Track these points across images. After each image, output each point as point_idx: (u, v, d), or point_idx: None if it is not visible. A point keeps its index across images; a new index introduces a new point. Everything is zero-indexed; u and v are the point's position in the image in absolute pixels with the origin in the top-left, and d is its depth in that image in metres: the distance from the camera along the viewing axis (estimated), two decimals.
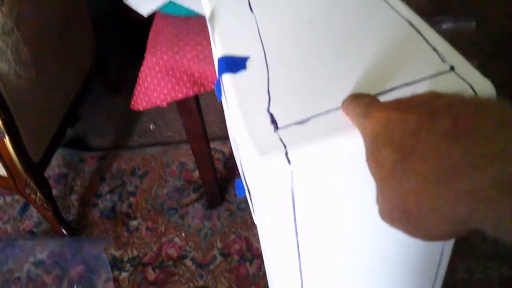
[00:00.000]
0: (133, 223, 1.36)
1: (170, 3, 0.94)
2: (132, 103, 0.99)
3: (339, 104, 0.42)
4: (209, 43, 0.90)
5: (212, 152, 1.45)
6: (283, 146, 0.39)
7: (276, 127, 0.41)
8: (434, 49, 0.45)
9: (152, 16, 0.98)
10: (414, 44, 0.47)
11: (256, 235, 1.27)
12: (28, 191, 1.22)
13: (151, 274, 1.23)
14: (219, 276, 1.20)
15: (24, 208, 1.45)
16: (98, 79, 1.68)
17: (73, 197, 1.46)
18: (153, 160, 1.54)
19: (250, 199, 0.51)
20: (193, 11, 0.93)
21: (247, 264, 1.21)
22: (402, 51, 0.46)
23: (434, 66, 0.44)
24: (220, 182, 1.41)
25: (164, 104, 0.98)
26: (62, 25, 1.35)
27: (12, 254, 1.30)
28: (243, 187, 0.56)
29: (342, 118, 0.41)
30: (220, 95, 0.58)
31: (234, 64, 0.49)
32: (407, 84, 0.42)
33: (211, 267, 1.22)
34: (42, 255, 1.29)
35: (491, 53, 1.63)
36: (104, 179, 1.50)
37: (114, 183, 1.49)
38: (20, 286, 1.24)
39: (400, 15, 0.50)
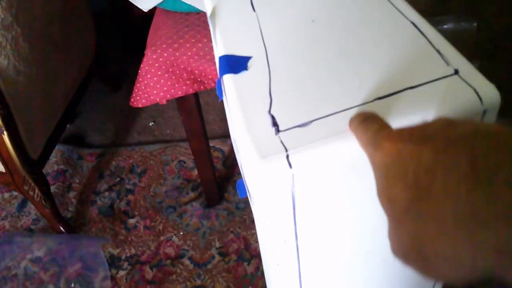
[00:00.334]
0: (131, 221, 1.35)
1: None
2: (132, 100, 0.98)
3: (342, 107, 0.41)
4: (209, 41, 0.90)
5: (212, 151, 1.45)
6: (284, 149, 0.39)
7: (278, 130, 0.40)
8: (438, 52, 0.45)
9: (152, 11, 0.98)
10: (418, 47, 0.46)
11: (254, 234, 1.26)
12: (26, 187, 1.22)
13: (149, 273, 1.22)
14: (217, 275, 1.20)
15: (22, 205, 1.45)
16: (98, 76, 1.67)
17: (71, 194, 1.46)
18: (152, 158, 1.53)
19: (251, 200, 0.50)
20: (194, 8, 0.92)
21: (245, 263, 1.21)
22: (406, 54, 0.46)
23: (438, 69, 0.43)
24: (219, 181, 1.40)
25: (164, 101, 0.97)
26: (62, 21, 1.34)
27: (9, 251, 1.30)
28: (244, 187, 0.55)
29: (344, 121, 0.40)
30: (221, 95, 0.57)
31: (236, 64, 0.49)
32: (411, 88, 0.42)
33: (209, 266, 1.22)
34: (39, 252, 1.29)
35: (491, 53, 1.62)
36: (103, 176, 1.50)
37: (113, 180, 1.48)
38: (17, 283, 1.23)
39: (405, 16, 0.49)
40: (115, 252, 1.28)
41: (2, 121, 1.06)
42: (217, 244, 1.26)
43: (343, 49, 0.48)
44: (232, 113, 0.46)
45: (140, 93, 0.96)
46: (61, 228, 1.32)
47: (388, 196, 0.29)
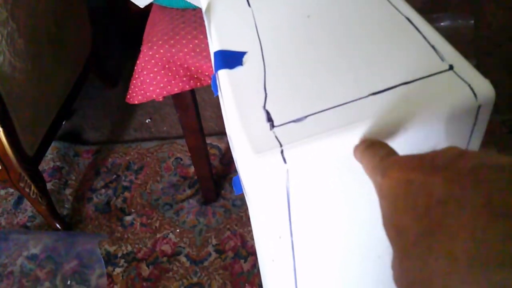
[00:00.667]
0: (128, 218, 1.35)
1: None
2: (128, 96, 0.98)
3: (336, 102, 0.41)
4: (206, 37, 0.89)
5: (208, 148, 1.44)
6: (279, 145, 0.39)
7: (272, 125, 0.40)
8: (433, 48, 0.45)
9: (148, 7, 0.97)
10: (412, 42, 0.46)
11: (251, 232, 1.26)
12: (22, 184, 1.21)
13: (145, 270, 1.22)
14: (213, 273, 1.19)
15: (18, 202, 1.44)
16: (94, 72, 1.67)
17: (68, 191, 1.46)
18: (149, 155, 1.53)
19: (246, 196, 0.50)
20: (190, 4, 0.92)
21: (242, 261, 1.21)
22: (400, 49, 0.45)
23: (433, 65, 0.43)
24: (216, 178, 1.40)
25: (160, 98, 0.97)
26: (58, 17, 1.33)
27: (5, 248, 1.29)
28: (240, 184, 0.55)
29: (339, 116, 0.40)
30: (217, 90, 0.57)
31: (231, 59, 0.48)
32: (406, 83, 0.42)
33: (206, 263, 1.22)
34: (35, 249, 1.28)
35: (488, 51, 1.63)
36: (99, 173, 1.50)
37: (109, 177, 1.48)
38: (13, 280, 1.23)
39: (400, 12, 0.49)
40: (112, 249, 1.28)
41: None
42: (214, 242, 1.26)
43: (338, 45, 0.48)
44: (227, 108, 0.46)
45: (136, 89, 0.96)
46: (57, 225, 1.32)
47: (396, 227, 0.28)
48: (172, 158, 1.51)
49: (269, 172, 0.39)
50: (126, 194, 1.42)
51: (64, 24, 1.37)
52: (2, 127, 1.07)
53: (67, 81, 1.41)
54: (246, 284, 1.16)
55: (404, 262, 0.27)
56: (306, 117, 0.40)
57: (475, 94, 0.40)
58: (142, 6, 0.93)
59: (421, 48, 0.45)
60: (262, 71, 0.46)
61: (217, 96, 0.62)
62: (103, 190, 1.44)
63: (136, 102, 0.97)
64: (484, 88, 0.40)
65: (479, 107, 0.41)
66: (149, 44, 0.91)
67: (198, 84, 0.95)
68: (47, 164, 1.53)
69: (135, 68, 0.93)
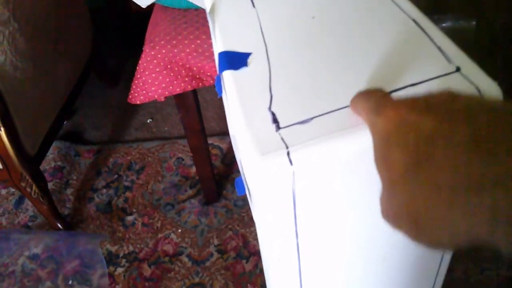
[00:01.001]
0: (129, 218, 1.35)
1: None
2: (130, 96, 0.97)
3: (342, 104, 0.41)
4: (208, 37, 0.89)
5: (210, 148, 1.44)
6: (285, 146, 0.38)
7: (278, 127, 0.40)
8: (440, 49, 0.44)
9: (150, 7, 0.97)
10: (419, 44, 0.46)
11: (253, 232, 1.26)
12: (23, 184, 1.21)
13: (147, 270, 1.22)
14: (215, 273, 1.19)
15: (20, 201, 1.44)
16: (96, 72, 1.66)
17: (69, 191, 1.45)
18: (150, 155, 1.53)
19: (250, 198, 0.50)
20: (192, 4, 0.92)
21: (244, 261, 1.21)
22: (407, 51, 0.45)
23: (440, 67, 0.43)
24: (217, 178, 1.40)
25: (162, 98, 0.96)
26: (59, 16, 1.33)
27: (6, 247, 1.29)
28: (243, 185, 0.55)
29: (345, 118, 0.40)
30: (221, 91, 0.57)
31: (235, 60, 0.48)
32: (413, 85, 0.41)
33: (207, 264, 1.21)
34: (37, 249, 1.28)
35: (490, 52, 1.62)
36: (100, 173, 1.49)
37: (110, 177, 1.48)
38: (14, 280, 1.23)
39: (406, 13, 0.49)
40: (113, 249, 1.28)
41: None
42: (216, 242, 1.26)
43: (344, 46, 0.47)
44: (232, 109, 0.45)
45: (138, 89, 0.95)
46: (59, 225, 1.31)
47: (385, 159, 0.30)
48: (174, 158, 1.50)
49: (275, 174, 0.39)
50: (128, 194, 1.41)
51: (65, 24, 1.37)
52: (3, 126, 1.07)
53: (68, 80, 1.41)
54: (248, 285, 1.16)
55: (392, 194, 0.29)
56: (312, 118, 0.40)
57: (482, 96, 0.40)
58: (144, 6, 0.93)
59: (427, 50, 0.44)
60: (267, 72, 0.46)
61: (220, 97, 0.61)
62: (104, 190, 1.44)
63: (138, 102, 0.97)
64: (492, 89, 0.40)
65: None
66: (151, 44, 0.90)
67: (200, 84, 0.94)
68: (48, 163, 1.53)
69: (137, 68, 0.93)
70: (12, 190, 1.47)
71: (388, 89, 0.41)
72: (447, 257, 0.59)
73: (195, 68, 0.92)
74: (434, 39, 0.45)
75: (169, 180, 1.44)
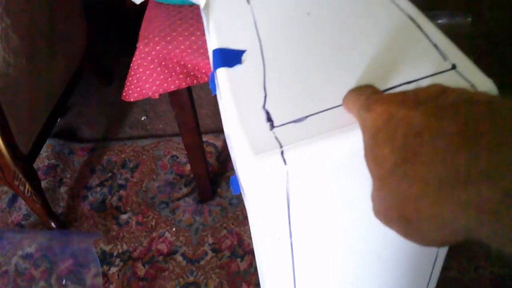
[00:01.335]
0: (123, 217, 1.34)
1: None
2: (124, 94, 0.96)
3: (337, 102, 0.40)
4: (203, 34, 0.88)
5: (205, 146, 1.43)
6: (279, 146, 0.38)
7: (272, 125, 0.39)
8: (435, 46, 0.44)
9: (145, 3, 0.96)
10: (414, 41, 0.45)
11: (247, 230, 1.26)
12: (16, 182, 1.20)
13: (141, 269, 1.21)
14: (210, 272, 1.19)
15: (13, 200, 1.43)
16: (90, 69, 1.65)
17: (63, 189, 1.44)
18: (145, 153, 1.52)
19: (244, 197, 0.50)
20: (187, 0, 0.91)
21: (238, 260, 1.20)
22: (402, 48, 0.45)
23: (435, 64, 0.42)
24: (212, 177, 1.39)
25: (156, 95, 0.96)
26: (53, 13, 1.32)
27: (0, 247, 1.28)
28: (238, 184, 0.54)
29: (340, 117, 0.39)
30: (215, 89, 0.56)
31: (230, 57, 0.48)
32: (408, 83, 0.41)
33: (202, 262, 1.21)
34: (30, 248, 1.27)
35: (486, 48, 1.62)
36: (94, 171, 1.48)
37: (104, 175, 1.47)
38: (8, 279, 1.22)
39: (401, 10, 0.49)
40: (107, 248, 1.27)
41: None
42: (210, 240, 1.25)
43: (339, 43, 0.47)
44: (225, 107, 0.45)
45: (132, 87, 0.95)
46: (52, 224, 1.30)
47: (375, 156, 0.30)
48: (168, 156, 1.50)
49: (269, 173, 0.38)
50: (122, 192, 1.41)
51: (59, 21, 1.36)
52: None
53: (62, 78, 1.40)
54: (243, 283, 1.16)
55: (381, 191, 0.29)
56: (306, 117, 0.40)
57: (473, 90, 0.39)
58: (138, 3, 0.92)
59: (423, 47, 0.44)
60: (261, 69, 0.45)
61: (214, 94, 0.61)
62: (98, 188, 1.43)
63: (132, 99, 0.96)
64: (488, 87, 0.40)
65: None
66: (145, 41, 0.89)
67: (195, 81, 0.94)
68: (41, 162, 1.52)
69: (131, 65, 0.92)
70: (5, 188, 1.45)
71: (383, 87, 0.41)
72: (442, 255, 0.59)
73: (189, 65, 0.91)
74: (430, 36, 0.45)
75: (163, 178, 1.43)
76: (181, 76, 0.93)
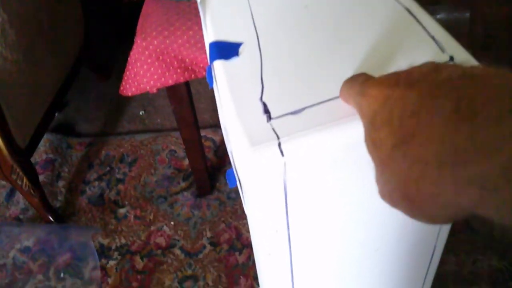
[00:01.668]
0: (122, 211, 1.34)
1: None
2: (121, 88, 0.96)
3: (334, 94, 0.40)
4: (200, 28, 0.88)
5: (203, 140, 1.43)
6: (276, 137, 0.38)
7: (269, 117, 0.39)
8: (433, 38, 0.44)
9: None
10: (412, 33, 0.45)
11: (246, 224, 1.26)
12: (14, 176, 1.20)
13: (139, 263, 1.22)
14: (208, 265, 1.19)
15: (11, 194, 1.43)
16: (87, 63, 1.65)
17: (61, 183, 1.44)
18: (143, 147, 1.52)
19: (241, 189, 0.50)
20: None
21: (237, 253, 1.20)
22: (400, 40, 0.45)
23: (433, 56, 0.42)
24: (210, 171, 1.39)
25: (154, 90, 0.95)
26: (49, 7, 1.31)
27: None
28: (235, 177, 0.54)
29: (337, 109, 0.39)
30: (212, 82, 0.56)
31: (226, 50, 0.47)
32: None
33: (200, 256, 1.21)
34: (28, 242, 1.27)
35: (484, 44, 1.62)
36: (92, 165, 1.48)
37: (102, 170, 1.47)
38: (5, 273, 1.22)
39: (399, 3, 0.48)
40: (105, 242, 1.27)
41: None
42: (208, 234, 1.26)
43: (336, 35, 0.47)
44: (222, 100, 0.45)
45: (130, 81, 0.94)
46: (50, 218, 1.31)
47: (373, 140, 0.30)
48: (166, 150, 1.50)
49: (266, 165, 0.38)
50: (120, 186, 1.41)
51: (56, 15, 1.35)
52: None
53: (60, 72, 1.39)
54: (241, 277, 1.16)
55: (383, 173, 0.29)
56: (303, 109, 0.40)
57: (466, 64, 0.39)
58: None
59: (421, 39, 0.44)
60: (258, 62, 0.45)
61: (212, 88, 0.61)
62: (96, 183, 1.43)
63: (130, 94, 0.96)
64: None
65: None
66: (143, 35, 0.89)
67: (193, 76, 0.93)
68: (39, 156, 1.52)
69: (129, 59, 0.92)
70: (3, 182, 1.45)
71: None
72: (439, 248, 0.59)
73: (187, 60, 0.91)
74: (427, 28, 0.45)
75: (161, 172, 1.43)
76: (178, 70, 0.93)
